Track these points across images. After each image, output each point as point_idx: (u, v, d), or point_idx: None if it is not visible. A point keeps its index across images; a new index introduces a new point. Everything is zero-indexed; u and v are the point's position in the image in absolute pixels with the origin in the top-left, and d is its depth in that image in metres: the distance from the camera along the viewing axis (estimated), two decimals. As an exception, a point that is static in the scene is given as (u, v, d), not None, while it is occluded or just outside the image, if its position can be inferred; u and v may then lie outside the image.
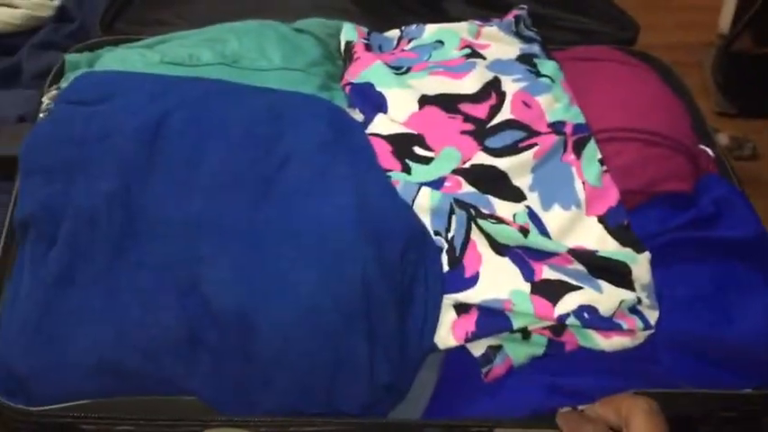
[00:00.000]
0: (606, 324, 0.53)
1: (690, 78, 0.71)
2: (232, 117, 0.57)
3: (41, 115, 0.61)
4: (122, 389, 0.50)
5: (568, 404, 0.53)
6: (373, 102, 0.61)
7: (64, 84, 0.63)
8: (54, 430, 0.51)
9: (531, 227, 0.55)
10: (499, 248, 0.54)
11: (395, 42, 0.69)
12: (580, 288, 0.53)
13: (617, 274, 0.54)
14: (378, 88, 0.61)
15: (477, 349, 0.53)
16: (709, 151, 0.67)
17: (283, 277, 0.51)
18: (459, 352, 0.54)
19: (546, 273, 0.54)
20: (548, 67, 0.64)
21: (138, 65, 0.62)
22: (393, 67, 0.63)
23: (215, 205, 0.53)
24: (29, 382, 0.50)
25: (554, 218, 0.57)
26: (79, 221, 0.52)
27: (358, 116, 0.62)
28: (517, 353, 0.54)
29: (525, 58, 0.65)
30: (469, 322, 0.53)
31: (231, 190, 0.54)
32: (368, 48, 0.66)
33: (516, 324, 0.52)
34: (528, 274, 0.53)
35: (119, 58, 0.64)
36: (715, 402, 0.54)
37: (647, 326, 0.53)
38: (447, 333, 0.53)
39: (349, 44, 0.66)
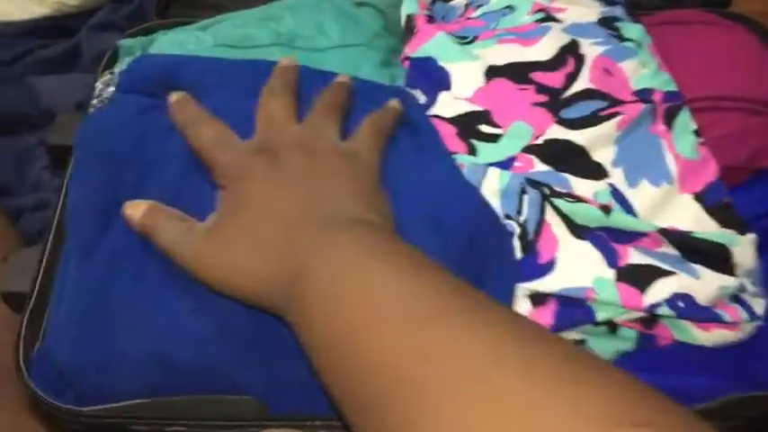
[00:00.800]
0: (705, 314, 0.46)
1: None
2: None
3: (94, 102, 0.59)
4: (173, 386, 0.47)
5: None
6: (435, 79, 0.56)
7: (117, 69, 0.61)
8: (104, 430, 0.48)
9: (615, 205, 0.49)
10: (578, 230, 0.48)
11: (461, 11, 0.63)
12: (673, 273, 0.46)
13: (715, 257, 0.47)
14: (440, 63, 0.56)
15: (557, 345, 0.48)
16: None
17: None
18: None
19: (632, 257, 0.47)
20: (632, 30, 0.57)
21: (191, 48, 0.60)
22: (457, 37, 0.58)
23: None
24: (78, 379, 0.47)
25: (641, 195, 0.50)
26: None
27: (420, 97, 0.57)
28: (603, 348, 0.48)
29: (606, 22, 0.58)
30: (547, 314, 0.47)
31: None
32: (430, 19, 0.61)
33: (600, 316, 0.46)
34: (612, 258, 0.47)
35: (173, 42, 0.61)
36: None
37: (752, 316, 0.46)
38: (521, 327, 0.47)
39: (410, 18, 0.61)
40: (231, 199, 0.43)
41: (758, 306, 0.47)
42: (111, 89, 0.58)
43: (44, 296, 0.51)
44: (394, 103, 0.52)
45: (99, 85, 0.60)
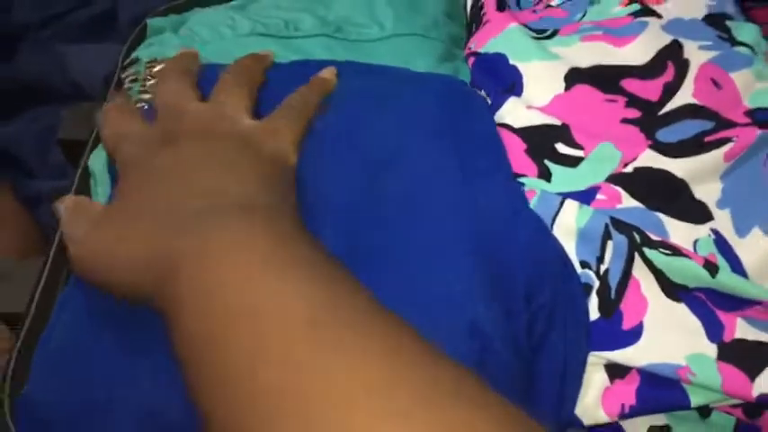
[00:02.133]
0: (831, 409, 0.37)
1: None
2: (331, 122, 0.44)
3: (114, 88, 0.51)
4: None
5: None
6: (504, 80, 0.46)
7: (144, 51, 0.52)
8: None
9: (721, 260, 0.40)
10: (673, 291, 0.39)
11: (538, -3, 0.53)
12: (792, 355, 0.37)
13: None
14: (512, 61, 0.46)
15: (635, 430, 0.39)
16: None
17: None
18: None
19: (741, 330, 0.38)
20: (747, 31, 0.47)
21: (225, 31, 0.51)
22: (534, 30, 0.48)
23: None
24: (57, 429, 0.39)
25: (752, 247, 0.40)
26: None
27: (484, 100, 0.47)
28: (688, 435, 0.39)
29: (716, 19, 0.48)
30: (628, 392, 0.38)
31: (324, 214, 0.41)
32: (501, 5, 0.51)
33: (695, 400, 0.38)
34: (715, 330, 0.38)
35: (205, 23, 0.53)
36: None
37: None
38: (595, 403, 0.39)
39: (476, 3, 0.51)
40: (120, 187, 0.41)
41: None
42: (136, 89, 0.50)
43: (41, 318, 0.43)
44: (326, 73, 0.46)
45: (123, 74, 0.51)
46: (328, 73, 0.46)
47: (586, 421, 0.39)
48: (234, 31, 0.51)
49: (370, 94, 0.44)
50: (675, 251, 0.39)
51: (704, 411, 0.39)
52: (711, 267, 0.38)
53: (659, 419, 0.39)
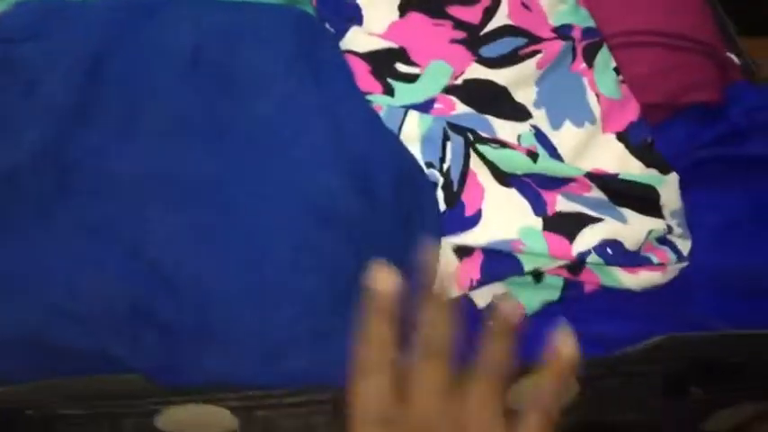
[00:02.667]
0: (633, 260, 0.45)
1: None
2: (178, 42, 0.47)
3: None
4: (59, 368, 0.42)
5: (592, 354, 0.45)
6: (345, 12, 0.51)
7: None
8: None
9: (540, 149, 0.47)
10: (504, 178, 0.46)
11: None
12: (600, 220, 0.45)
13: (643, 199, 0.46)
14: (350, -5, 0.51)
15: (482, 299, 0.45)
16: (735, 58, 0.58)
17: (251, 239, 0.42)
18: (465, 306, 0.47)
19: (560, 204, 0.45)
20: (548, -38, 0.54)
21: None
22: (367, -31, 0.53)
23: (163, 154, 0.44)
24: None
25: (565, 137, 0.48)
26: (1, 183, 0.43)
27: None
28: (529, 300, 0.46)
29: (521, -47, 0.55)
30: (473, 268, 0.45)
31: (181, 135, 0.44)
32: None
33: (528, 266, 0.44)
34: (539, 206, 0.45)
35: None
36: (752, 344, 0.47)
37: (679, 257, 0.45)
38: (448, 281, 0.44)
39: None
40: None
41: (684, 247, 0.46)
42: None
43: None
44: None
45: None
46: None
47: (442, 297, 0.45)
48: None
49: (231, 26, 0.48)
50: (503, 144, 0.46)
51: (537, 277, 0.46)
52: (532, 155, 0.45)
53: (501, 288, 0.46)
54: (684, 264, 0.46)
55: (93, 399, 0.43)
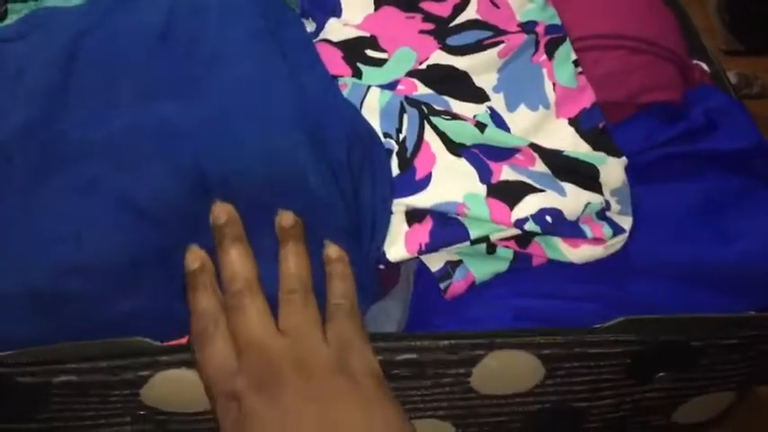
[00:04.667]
0: (570, 230, 0.47)
1: (693, 18, 0.65)
2: (149, 21, 0.52)
3: None
4: (60, 329, 0.45)
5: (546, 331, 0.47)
6: (326, 7, 0.56)
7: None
8: None
9: (490, 123, 0.50)
10: (454, 148, 0.49)
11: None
12: (542, 191, 0.47)
13: (584, 175, 0.48)
14: (333, -8, 0.57)
15: (435, 264, 0.48)
16: (705, 66, 0.61)
17: (224, 176, 0.46)
18: (421, 285, 0.50)
19: (505, 173, 0.48)
20: (521, -32, 0.59)
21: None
22: (350, -31, 0.58)
23: (138, 114, 0.48)
24: None
25: (519, 118, 0.51)
26: None
27: (310, 25, 0.57)
28: (479, 269, 0.49)
29: (495, -42, 0.59)
30: (423, 233, 0.47)
31: (154, 96, 0.49)
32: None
33: (474, 233, 0.47)
34: (485, 175, 0.48)
35: None
36: (715, 328, 0.48)
37: (617, 231, 0.47)
38: (399, 245, 0.47)
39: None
40: None
41: (625, 223, 0.48)
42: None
43: None
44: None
45: None
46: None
47: (392, 259, 0.47)
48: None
49: (200, 7, 0.53)
50: (454, 116, 0.49)
51: (490, 248, 0.48)
52: (481, 126, 0.49)
53: (454, 256, 0.48)
54: (624, 234, 0.48)
55: (90, 361, 0.44)
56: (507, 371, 0.47)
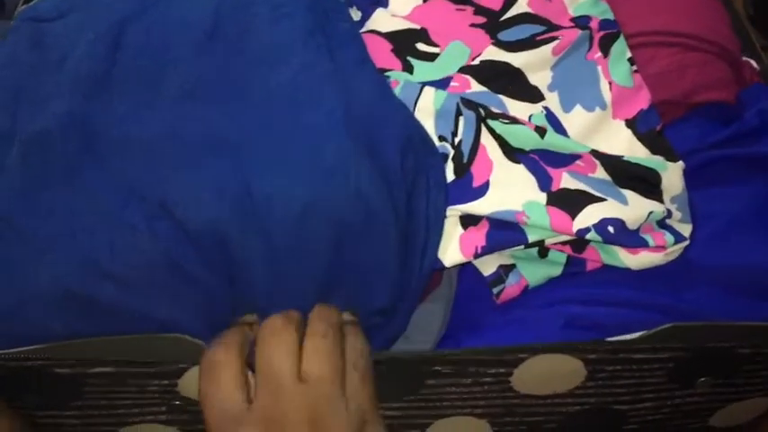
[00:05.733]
0: (632, 239, 0.46)
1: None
2: (196, 16, 0.50)
3: None
4: (96, 327, 0.44)
5: (585, 338, 0.47)
6: (372, -5, 0.54)
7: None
8: (25, 375, 0.45)
9: (549, 128, 0.48)
10: (512, 153, 0.47)
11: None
12: (603, 200, 0.46)
13: (645, 182, 0.47)
14: (378, -20, 0.54)
15: (488, 268, 0.47)
16: (754, 63, 0.60)
17: (268, 196, 0.44)
18: (467, 288, 0.49)
19: (565, 181, 0.47)
20: (571, -42, 0.57)
21: None
22: (396, -45, 0.56)
23: (181, 118, 0.46)
24: None
25: (575, 120, 0.50)
26: (30, 147, 0.46)
27: (355, 15, 0.54)
28: (533, 273, 0.48)
29: (547, -51, 0.57)
30: (479, 236, 0.46)
31: (199, 100, 0.47)
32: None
33: (532, 237, 0.46)
34: (545, 182, 0.47)
35: None
36: (759, 336, 0.47)
37: (678, 239, 0.47)
38: (454, 248, 0.46)
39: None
40: None
41: (685, 230, 0.47)
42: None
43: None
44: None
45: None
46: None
47: (448, 264, 0.46)
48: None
49: (248, 1, 0.50)
50: (513, 120, 0.48)
51: (542, 251, 0.48)
52: (541, 131, 0.47)
53: (507, 259, 0.47)
54: (685, 242, 0.47)
55: (127, 359, 0.44)
56: (549, 372, 0.47)
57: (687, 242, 0.47)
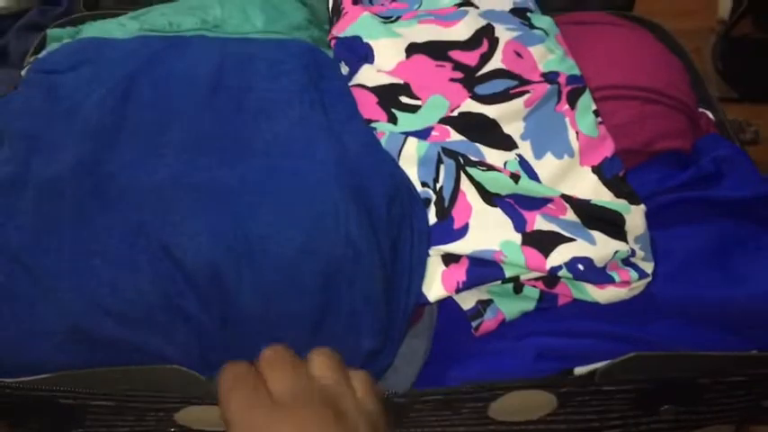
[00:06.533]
0: (600, 276, 0.50)
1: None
2: (200, 72, 0.54)
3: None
4: (98, 359, 0.47)
5: (558, 368, 0.50)
6: (359, 53, 0.58)
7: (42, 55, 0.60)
8: (30, 404, 0.47)
9: (523, 174, 0.53)
10: (490, 198, 0.51)
11: (385, -6, 0.66)
12: (573, 240, 0.50)
13: (611, 224, 0.51)
14: (365, 40, 0.59)
15: (467, 303, 0.51)
16: (710, 114, 0.65)
17: (262, 238, 0.47)
18: (447, 320, 0.52)
19: (538, 223, 0.51)
20: (542, 20, 0.62)
21: (116, 34, 0.60)
22: (382, 17, 0.61)
23: (186, 167, 0.50)
24: None
25: (546, 166, 0.54)
26: (43, 191, 0.49)
27: (344, 69, 0.59)
28: (509, 308, 0.52)
29: (519, 12, 0.62)
30: (460, 272, 0.50)
31: (202, 150, 0.51)
32: (356, 2, 0.63)
33: (508, 273, 0.50)
34: (519, 224, 0.51)
35: (99, 30, 0.61)
36: (721, 365, 0.51)
37: (641, 275, 0.51)
38: (437, 284, 0.50)
39: (337, 1, 0.64)
40: None
41: (647, 268, 0.51)
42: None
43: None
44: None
45: (23, 73, 0.60)
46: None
47: (432, 299, 0.50)
48: (123, 32, 0.59)
49: (249, 57, 0.55)
50: (489, 167, 0.52)
51: (517, 287, 0.51)
52: (515, 177, 0.51)
53: (485, 295, 0.51)
54: (647, 279, 0.51)
55: (124, 391, 0.47)
56: (523, 403, 0.50)
57: (650, 278, 0.51)
